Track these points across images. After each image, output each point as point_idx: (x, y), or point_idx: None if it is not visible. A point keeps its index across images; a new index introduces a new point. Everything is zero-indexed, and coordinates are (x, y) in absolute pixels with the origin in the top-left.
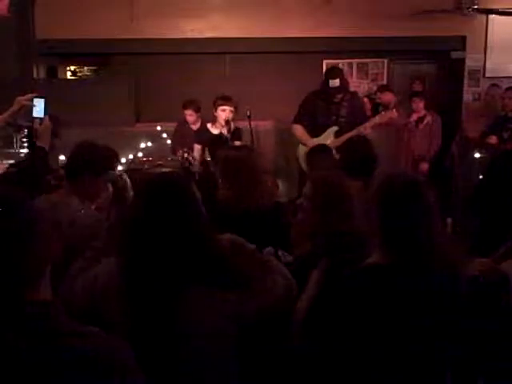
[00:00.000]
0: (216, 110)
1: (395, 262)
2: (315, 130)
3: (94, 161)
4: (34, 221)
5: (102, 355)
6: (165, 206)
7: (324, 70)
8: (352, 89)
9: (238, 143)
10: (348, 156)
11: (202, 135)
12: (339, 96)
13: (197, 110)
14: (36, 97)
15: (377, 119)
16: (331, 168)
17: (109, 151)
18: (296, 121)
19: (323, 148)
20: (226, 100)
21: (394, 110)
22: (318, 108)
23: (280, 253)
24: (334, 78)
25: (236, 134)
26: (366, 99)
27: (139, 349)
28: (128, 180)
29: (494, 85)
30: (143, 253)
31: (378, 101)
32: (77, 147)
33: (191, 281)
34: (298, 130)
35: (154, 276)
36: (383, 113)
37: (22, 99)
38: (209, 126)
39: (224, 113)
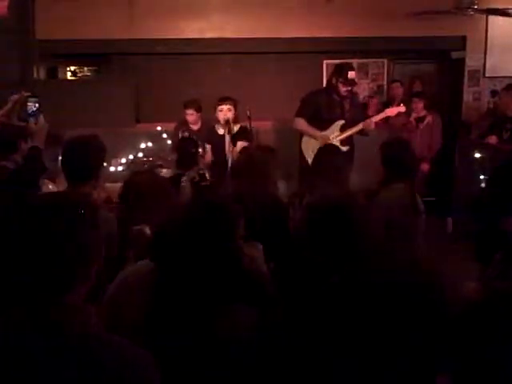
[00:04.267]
0: (216, 112)
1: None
2: (319, 125)
3: (88, 157)
4: (83, 225)
5: (127, 364)
6: (209, 229)
7: (324, 70)
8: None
9: (240, 143)
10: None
11: (208, 135)
12: (350, 89)
13: (198, 110)
14: (30, 96)
15: (387, 113)
16: (340, 169)
17: (98, 143)
18: (298, 114)
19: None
20: (222, 100)
21: (402, 105)
22: (322, 103)
23: None
24: (353, 70)
25: (241, 133)
26: (375, 100)
27: (168, 363)
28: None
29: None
30: (175, 264)
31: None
32: (72, 145)
33: (230, 298)
34: (301, 123)
35: (182, 286)
36: (391, 107)
37: (15, 97)
38: (216, 126)
39: (221, 113)
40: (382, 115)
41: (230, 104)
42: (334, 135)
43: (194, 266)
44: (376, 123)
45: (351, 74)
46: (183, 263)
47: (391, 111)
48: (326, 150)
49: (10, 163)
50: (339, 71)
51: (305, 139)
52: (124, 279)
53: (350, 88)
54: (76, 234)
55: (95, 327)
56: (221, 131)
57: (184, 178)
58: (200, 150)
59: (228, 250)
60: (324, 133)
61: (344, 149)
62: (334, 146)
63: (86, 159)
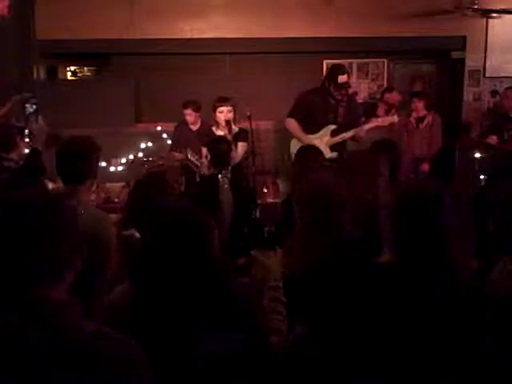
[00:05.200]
0: (215, 113)
1: (406, 261)
2: (311, 127)
3: (83, 152)
4: (59, 222)
5: (119, 354)
6: (178, 246)
7: (324, 70)
8: (352, 89)
9: (241, 144)
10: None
11: (205, 137)
12: (344, 92)
13: (196, 110)
14: (29, 97)
15: (378, 122)
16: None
17: (92, 141)
18: (291, 115)
19: (313, 149)
20: (222, 101)
21: (396, 116)
22: (316, 105)
23: None
24: (343, 74)
25: (240, 134)
26: (385, 102)
27: None
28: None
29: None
30: (154, 287)
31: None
32: (63, 145)
33: (202, 322)
34: (292, 124)
35: (167, 316)
36: (384, 117)
37: (16, 98)
38: (214, 128)
39: (222, 114)
40: (373, 124)
41: (230, 105)
42: (324, 140)
43: (167, 285)
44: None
45: (341, 79)
46: (156, 282)
47: (383, 120)
48: (304, 151)
49: (13, 163)
50: (330, 75)
51: (293, 142)
52: (111, 300)
53: (343, 92)
54: (56, 227)
55: (80, 319)
56: (219, 132)
57: (221, 177)
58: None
59: (203, 262)
60: (313, 136)
61: (332, 155)
62: (312, 147)
63: (76, 160)
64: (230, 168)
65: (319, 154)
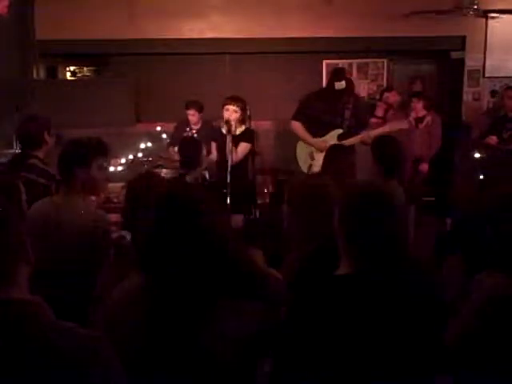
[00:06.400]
0: (222, 110)
1: (362, 271)
2: (316, 130)
3: (81, 154)
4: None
5: (83, 349)
6: (178, 224)
7: (324, 70)
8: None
9: (243, 145)
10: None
11: (213, 134)
12: (345, 98)
13: (199, 111)
14: None
15: (387, 128)
16: (351, 167)
17: (96, 142)
18: (295, 118)
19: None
20: (230, 100)
21: (405, 121)
22: (321, 108)
23: None
24: (340, 80)
25: (245, 135)
26: (384, 103)
27: (162, 366)
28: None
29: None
30: (165, 271)
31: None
32: (63, 146)
33: (216, 294)
34: (298, 127)
35: (180, 293)
36: (394, 123)
37: None
38: (222, 125)
39: (227, 112)
40: (381, 130)
41: (237, 105)
42: (332, 144)
43: (178, 271)
44: (374, 123)
45: (338, 85)
46: (172, 268)
47: (392, 126)
48: (339, 148)
49: (37, 161)
50: (329, 81)
51: (299, 146)
52: (117, 299)
53: (345, 97)
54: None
55: (46, 316)
56: (225, 130)
57: (187, 178)
58: (204, 150)
59: (209, 234)
60: (322, 139)
61: None
62: (343, 146)
63: (66, 159)
64: (201, 169)
65: (351, 153)
